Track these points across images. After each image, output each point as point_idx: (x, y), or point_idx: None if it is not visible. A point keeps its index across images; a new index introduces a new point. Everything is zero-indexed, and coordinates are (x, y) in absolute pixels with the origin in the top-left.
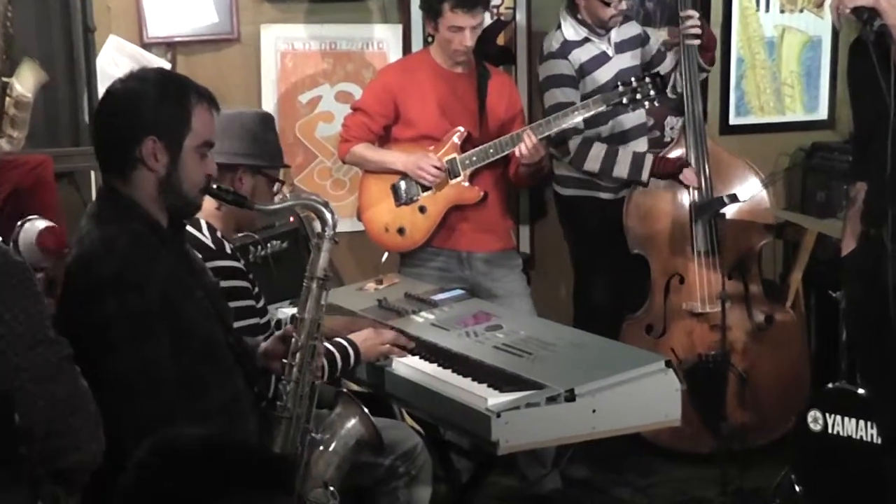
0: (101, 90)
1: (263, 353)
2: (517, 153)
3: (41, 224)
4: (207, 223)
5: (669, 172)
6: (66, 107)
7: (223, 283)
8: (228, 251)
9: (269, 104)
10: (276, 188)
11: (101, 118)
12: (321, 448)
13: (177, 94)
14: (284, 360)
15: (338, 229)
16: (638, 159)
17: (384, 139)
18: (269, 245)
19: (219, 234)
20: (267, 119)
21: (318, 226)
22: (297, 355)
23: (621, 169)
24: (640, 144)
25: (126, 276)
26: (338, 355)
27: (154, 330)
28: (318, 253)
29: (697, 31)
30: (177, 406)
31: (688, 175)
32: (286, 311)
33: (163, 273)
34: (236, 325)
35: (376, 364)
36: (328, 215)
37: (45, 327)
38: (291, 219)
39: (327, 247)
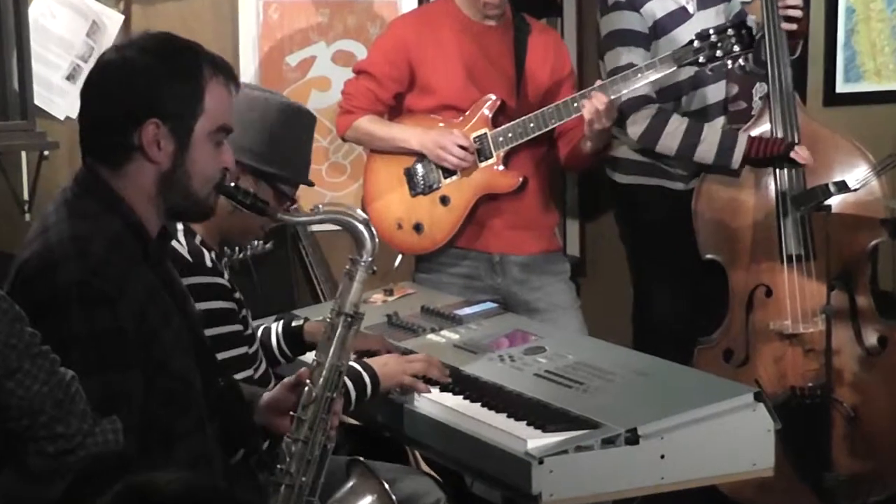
0: (35, 48)
1: (266, 406)
2: (585, 114)
3: None
4: (185, 226)
5: (770, 157)
6: None
7: (201, 305)
8: (209, 264)
9: (248, 67)
10: (284, 202)
11: (89, 94)
12: None
13: (186, 65)
14: (293, 414)
15: (337, 228)
16: (728, 138)
17: (395, 110)
18: (249, 246)
19: (198, 240)
20: (301, 116)
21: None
22: (310, 409)
23: (706, 150)
24: (720, 122)
25: (97, 287)
26: (350, 386)
27: (125, 358)
28: (349, 283)
29: (798, 13)
30: (134, 457)
31: (800, 153)
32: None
33: (141, 290)
34: (220, 356)
35: (387, 395)
36: (367, 237)
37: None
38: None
39: (362, 277)
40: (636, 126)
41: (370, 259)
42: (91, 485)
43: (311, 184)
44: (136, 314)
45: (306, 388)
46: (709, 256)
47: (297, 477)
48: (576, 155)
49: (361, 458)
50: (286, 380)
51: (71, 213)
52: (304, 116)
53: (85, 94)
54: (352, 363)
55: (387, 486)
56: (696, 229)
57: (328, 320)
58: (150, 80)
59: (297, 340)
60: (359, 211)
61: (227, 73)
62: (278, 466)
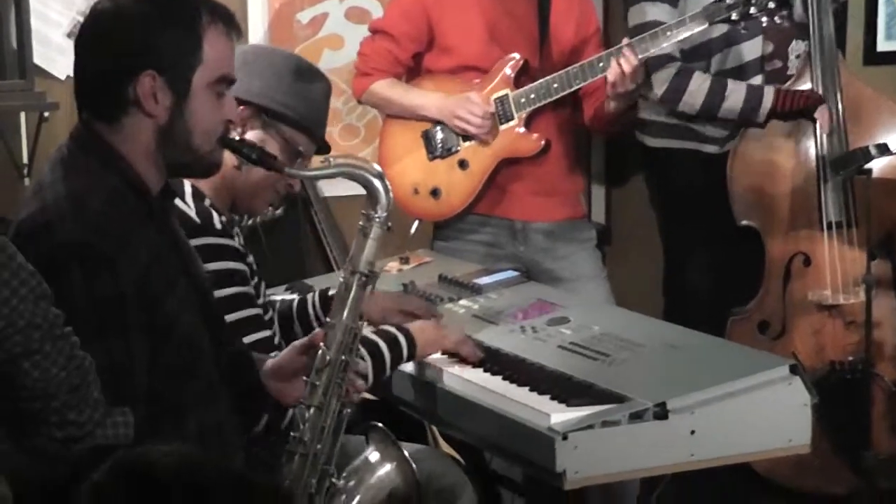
0: (34, 4)
1: (271, 372)
2: (609, 75)
3: None
4: (193, 188)
5: (797, 110)
6: None
7: (209, 266)
8: (217, 225)
9: (256, 25)
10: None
11: (82, 45)
12: (343, 498)
13: (182, 12)
14: (306, 379)
15: (353, 191)
16: (754, 92)
17: (413, 71)
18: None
19: (207, 202)
20: (315, 72)
21: (323, 188)
22: (325, 373)
23: (732, 105)
24: (757, 80)
25: (97, 247)
26: (385, 349)
27: (126, 323)
28: (363, 241)
29: None
30: (141, 431)
31: (823, 114)
32: (281, 298)
33: (144, 251)
34: (230, 319)
35: (406, 371)
36: (382, 191)
37: (38, 274)
38: (296, 187)
39: (377, 234)
40: (659, 86)
41: (385, 214)
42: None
43: (327, 146)
44: (138, 277)
45: (320, 352)
46: (744, 223)
47: (311, 445)
48: (600, 117)
49: (380, 424)
50: (296, 342)
51: (67, 171)
52: (319, 74)
53: (78, 45)
54: (387, 326)
55: (406, 452)
56: (732, 194)
57: (342, 279)
58: (144, 28)
59: None
60: (373, 164)
61: (227, 19)
62: (292, 434)
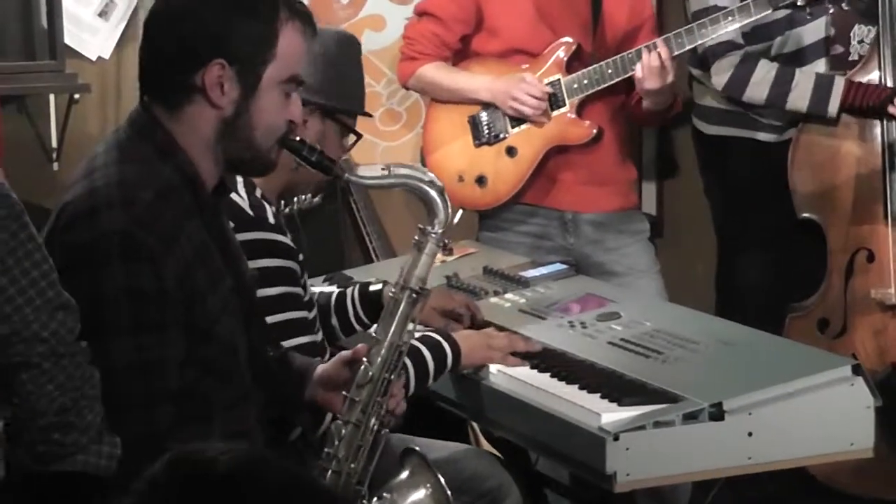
0: None
1: (320, 380)
2: (637, 71)
3: None
4: (245, 180)
5: (870, 106)
6: (14, 7)
7: (260, 262)
8: (270, 220)
9: None
10: (348, 142)
11: (152, 26)
12: None
13: (261, 4)
14: (345, 394)
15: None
16: (823, 83)
17: (460, 54)
18: (296, 199)
19: (259, 193)
20: (352, 44)
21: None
22: (365, 390)
23: (799, 97)
24: (818, 68)
25: (141, 239)
26: (428, 356)
27: (164, 321)
28: (417, 256)
29: None
30: (169, 431)
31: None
32: (320, 290)
33: (190, 248)
34: (273, 319)
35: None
36: (441, 207)
37: (57, 283)
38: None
39: (431, 250)
40: (720, 75)
41: (441, 231)
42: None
43: (369, 114)
44: (180, 274)
45: (362, 367)
46: (805, 215)
47: (345, 463)
48: (640, 111)
49: (417, 448)
50: (342, 354)
51: (122, 156)
52: (355, 44)
53: (148, 26)
54: (430, 332)
55: (442, 480)
56: (793, 185)
57: (391, 294)
58: (220, 15)
59: (376, 307)
60: (432, 174)
61: (306, 18)
62: (326, 450)
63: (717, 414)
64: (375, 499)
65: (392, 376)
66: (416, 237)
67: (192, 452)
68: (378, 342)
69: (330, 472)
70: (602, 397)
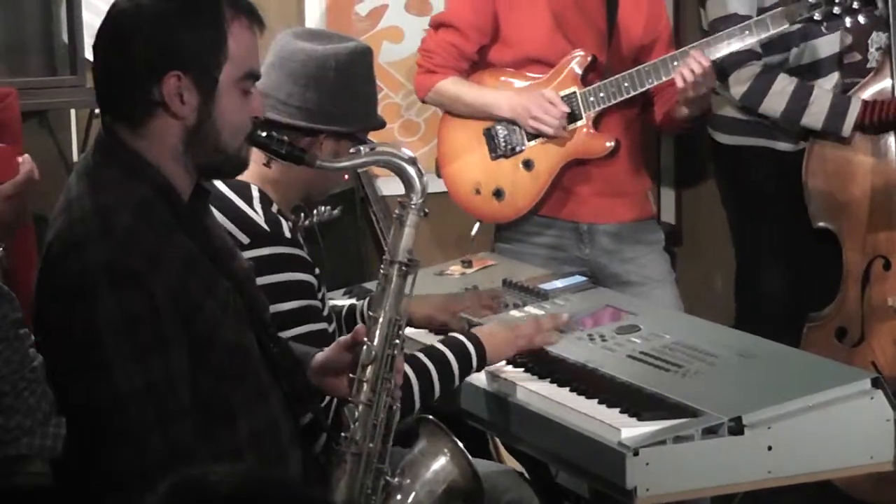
0: (84, 1)
1: (318, 368)
2: (678, 81)
3: None
4: (261, 192)
5: (885, 122)
6: (35, 22)
7: (277, 277)
8: (287, 234)
9: (313, 17)
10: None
11: (102, 47)
12: (399, 497)
13: (205, 8)
14: (352, 376)
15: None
16: (840, 103)
17: (475, 65)
18: (315, 212)
19: (275, 208)
20: (364, 57)
21: (381, 186)
22: (370, 369)
23: (815, 115)
24: (835, 78)
25: (126, 265)
26: (453, 360)
27: (164, 340)
28: (400, 229)
29: None
30: (191, 444)
31: None
32: (339, 303)
33: (176, 262)
34: (294, 333)
35: (469, 380)
36: (415, 177)
37: None
38: (346, 176)
39: (413, 221)
40: (739, 85)
41: (420, 200)
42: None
43: (384, 123)
44: (172, 289)
45: (364, 347)
46: (821, 224)
47: (363, 444)
48: (671, 119)
49: (430, 416)
50: (341, 339)
51: (92, 184)
52: (368, 55)
53: (98, 47)
54: (454, 334)
55: (459, 443)
56: (808, 195)
57: (381, 270)
58: (166, 28)
59: None
60: (404, 149)
61: (250, 13)
62: (343, 435)
63: (737, 428)
64: (396, 478)
65: (395, 352)
66: (397, 211)
67: (194, 477)
68: (375, 320)
69: (350, 454)
70: (622, 412)
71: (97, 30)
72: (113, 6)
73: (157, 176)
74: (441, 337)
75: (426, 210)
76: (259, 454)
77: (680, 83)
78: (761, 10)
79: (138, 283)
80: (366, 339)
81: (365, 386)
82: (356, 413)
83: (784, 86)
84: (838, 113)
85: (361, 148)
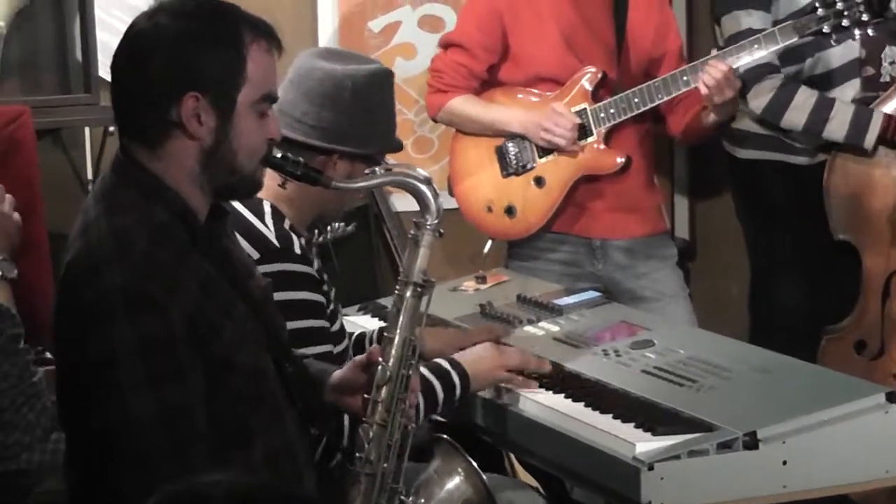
0: (99, 14)
1: (336, 387)
2: (701, 88)
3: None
4: (273, 208)
5: None
6: (49, 41)
7: (284, 295)
8: (297, 251)
9: (326, 34)
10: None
11: (120, 67)
12: None
13: (224, 30)
14: (367, 396)
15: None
16: (862, 116)
17: (486, 83)
18: (329, 228)
19: (286, 224)
20: (383, 81)
21: (395, 203)
22: (385, 389)
23: (837, 128)
24: (849, 89)
25: (143, 290)
26: (437, 385)
27: (180, 366)
28: (415, 249)
29: None
30: (206, 465)
31: None
32: (353, 320)
33: (193, 286)
34: (300, 352)
35: (481, 394)
36: (430, 197)
37: None
38: (361, 194)
39: (428, 241)
40: (760, 98)
41: (436, 221)
42: None
43: (401, 146)
44: (189, 314)
45: (379, 367)
46: (841, 237)
47: (378, 464)
48: (695, 127)
49: (445, 436)
50: (357, 359)
51: (110, 206)
52: (388, 78)
53: (116, 67)
54: (440, 360)
55: (474, 463)
56: (828, 207)
57: (396, 291)
58: (186, 48)
59: None
60: (419, 169)
61: (269, 35)
62: (357, 455)
63: (752, 443)
64: (411, 498)
65: (409, 372)
66: (412, 231)
67: (182, 490)
68: (390, 340)
69: (364, 474)
70: (636, 427)
71: (115, 49)
72: (131, 26)
73: (174, 198)
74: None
75: (441, 231)
76: (275, 475)
77: (703, 90)
78: (776, 24)
79: (155, 309)
80: (381, 359)
81: (379, 406)
82: (370, 433)
83: (805, 98)
84: (861, 126)
85: (377, 169)
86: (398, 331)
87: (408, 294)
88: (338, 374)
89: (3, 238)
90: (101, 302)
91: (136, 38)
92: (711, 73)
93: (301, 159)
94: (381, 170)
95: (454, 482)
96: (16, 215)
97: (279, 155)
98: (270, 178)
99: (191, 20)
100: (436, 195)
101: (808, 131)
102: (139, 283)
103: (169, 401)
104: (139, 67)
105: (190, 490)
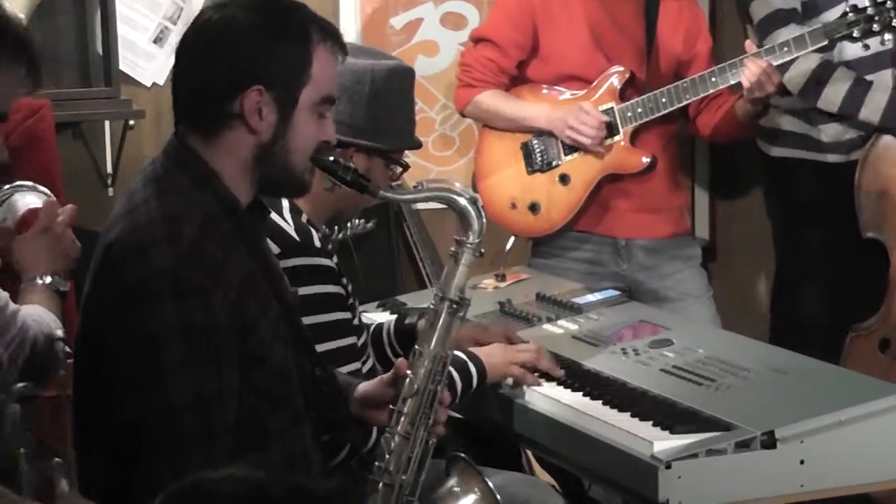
0: (120, 8)
1: (361, 398)
2: (744, 82)
3: (32, 200)
4: (290, 203)
5: None
6: (70, 34)
7: (306, 290)
8: (317, 245)
9: (348, 30)
10: (394, 174)
11: (188, 57)
12: None
13: (294, 28)
14: (392, 407)
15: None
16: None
17: (514, 80)
18: (349, 225)
19: (304, 218)
20: (403, 77)
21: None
22: (411, 402)
23: (873, 110)
24: (885, 73)
25: (191, 276)
26: (456, 376)
27: (219, 354)
28: (454, 266)
29: None
30: (227, 460)
31: None
32: (373, 316)
33: (236, 278)
34: (323, 347)
35: (499, 391)
36: (474, 217)
37: None
38: None
39: (468, 260)
40: (796, 80)
41: (477, 241)
42: None
43: (419, 146)
44: (231, 305)
45: (407, 380)
46: (870, 235)
47: (396, 475)
48: (727, 122)
49: (463, 454)
50: (384, 376)
51: (160, 189)
52: (409, 76)
53: (182, 55)
54: (457, 352)
55: (490, 483)
56: (858, 205)
57: (431, 306)
58: (256, 42)
59: (410, 340)
60: (466, 188)
61: (336, 38)
62: (376, 464)
63: (770, 442)
64: None
65: (438, 387)
66: (453, 248)
67: (189, 486)
68: (421, 354)
69: (382, 484)
70: (654, 425)
71: (181, 37)
72: (200, 14)
73: (223, 189)
74: None
75: (482, 251)
76: None
77: (746, 83)
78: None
79: (200, 296)
80: (409, 371)
81: (404, 418)
82: (392, 444)
83: (842, 79)
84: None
85: (424, 182)
86: (431, 346)
87: (443, 310)
88: (363, 386)
89: (63, 260)
90: (147, 283)
91: (204, 27)
92: (753, 68)
93: (352, 165)
94: (427, 184)
95: (470, 501)
96: (69, 232)
97: (331, 158)
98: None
99: (261, 14)
100: (479, 215)
101: (843, 111)
102: (187, 270)
103: (205, 387)
104: (206, 56)
105: (198, 488)
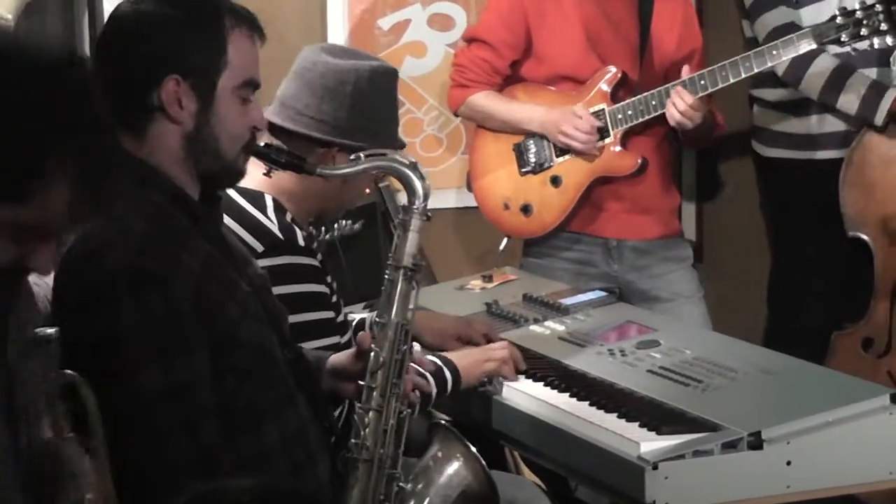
0: (107, 10)
1: (331, 372)
2: (668, 118)
3: None
4: (275, 201)
5: None
6: (57, 34)
7: (291, 289)
8: (301, 242)
9: (336, 31)
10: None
11: (103, 52)
12: (413, 502)
13: (205, 15)
14: (361, 382)
15: (436, 204)
16: (875, 90)
17: (508, 79)
18: (336, 226)
19: (289, 217)
20: (386, 77)
21: (403, 197)
22: (379, 374)
23: (850, 100)
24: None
25: (146, 269)
26: (431, 380)
27: (186, 342)
28: (404, 234)
29: None
30: (219, 446)
31: None
32: (359, 317)
33: (195, 263)
34: (307, 346)
35: (480, 390)
36: (417, 182)
37: None
38: (367, 190)
39: (417, 225)
40: (782, 63)
41: (424, 204)
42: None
43: (403, 146)
44: (192, 291)
45: (372, 354)
46: (853, 234)
47: (375, 450)
48: (685, 134)
49: (442, 422)
50: (353, 349)
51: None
52: (392, 76)
53: (99, 53)
54: (431, 356)
55: (473, 448)
56: (842, 204)
57: (386, 276)
58: (167, 32)
59: None
60: (405, 155)
61: (251, 22)
62: (353, 441)
63: (756, 443)
64: (410, 484)
65: (403, 357)
66: (401, 216)
67: (211, 491)
68: (383, 326)
69: (362, 460)
70: (641, 426)
71: (98, 36)
72: (113, 11)
73: (166, 181)
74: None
75: (429, 214)
76: (290, 459)
77: (671, 120)
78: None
79: (158, 287)
80: (373, 344)
81: (374, 392)
82: (366, 419)
83: (825, 66)
84: (872, 100)
85: (361, 155)
86: (391, 316)
87: (399, 278)
88: (333, 359)
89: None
90: (104, 285)
91: (118, 23)
92: (676, 103)
93: (284, 147)
94: (365, 155)
95: (453, 468)
96: None
97: (263, 144)
98: (281, 176)
99: (172, 5)
100: (422, 178)
101: (822, 99)
102: (142, 263)
103: (177, 376)
104: (121, 52)
105: (216, 494)
